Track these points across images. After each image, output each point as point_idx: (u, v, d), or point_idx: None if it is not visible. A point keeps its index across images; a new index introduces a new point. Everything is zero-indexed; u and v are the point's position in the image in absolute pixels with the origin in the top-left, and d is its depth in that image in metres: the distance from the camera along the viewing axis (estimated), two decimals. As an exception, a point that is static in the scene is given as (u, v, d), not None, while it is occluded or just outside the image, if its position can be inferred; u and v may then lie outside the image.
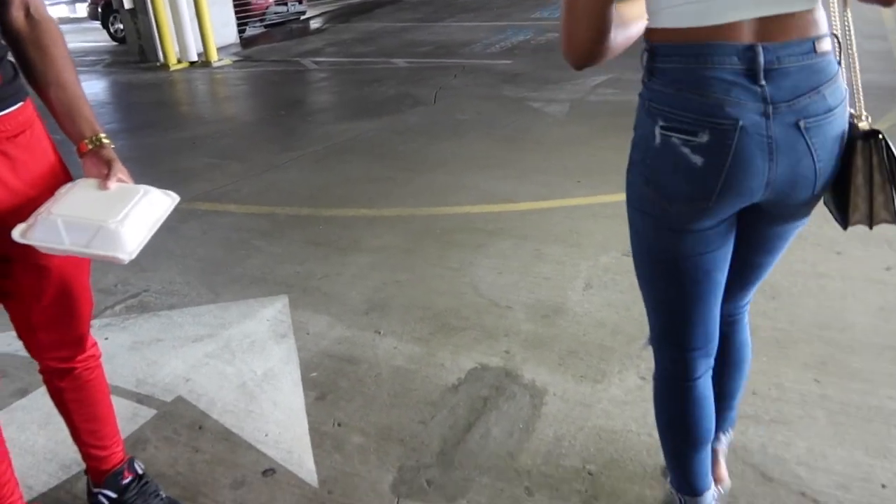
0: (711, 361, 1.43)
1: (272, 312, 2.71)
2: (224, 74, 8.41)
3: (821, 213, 1.27)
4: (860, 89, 1.16)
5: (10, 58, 1.36)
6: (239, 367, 2.37)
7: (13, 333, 1.51)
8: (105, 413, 1.69)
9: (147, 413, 2.18)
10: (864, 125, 1.14)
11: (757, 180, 1.10)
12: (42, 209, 1.31)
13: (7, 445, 1.53)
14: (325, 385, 2.25)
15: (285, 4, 11.39)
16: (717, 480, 1.67)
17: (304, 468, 1.91)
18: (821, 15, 1.08)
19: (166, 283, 3.01)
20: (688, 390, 1.41)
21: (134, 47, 9.48)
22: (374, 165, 4.48)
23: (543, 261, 2.96)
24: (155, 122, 6.33)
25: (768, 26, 1.04)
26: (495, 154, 4.47)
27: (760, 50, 1.04)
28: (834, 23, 1.14)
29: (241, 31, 10.30)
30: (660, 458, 1.82)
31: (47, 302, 1.46)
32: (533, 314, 2.57)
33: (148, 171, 4.70)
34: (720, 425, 1.60)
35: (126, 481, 1.71)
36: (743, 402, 2.02)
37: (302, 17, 11.74)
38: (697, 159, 1.10)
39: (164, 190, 1.45)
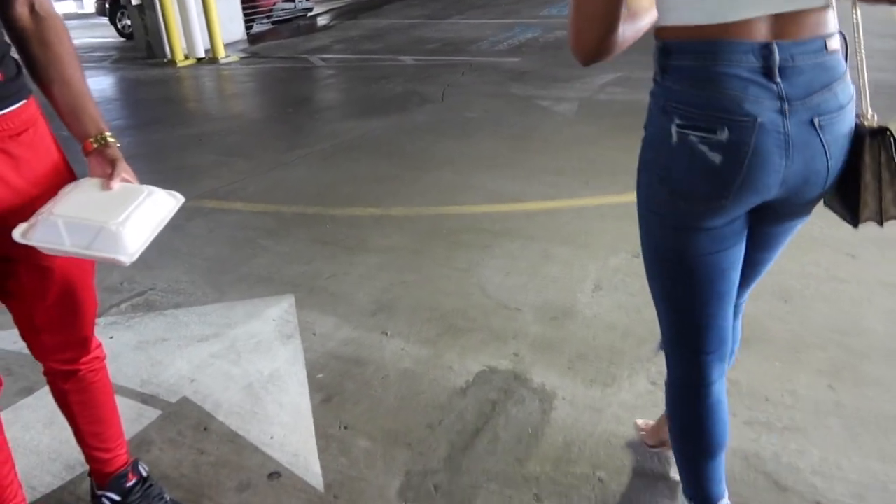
0: (725, 367, 1.41)
1: (278, 312, 2.69)
2: (231, 71, 8.39)
3: (834, 216, 1.25)
4: (867, 88, 1.16)
5: (14, 55, 1.33)
6: (245, 368, 2.35)
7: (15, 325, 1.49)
8: (109, 415, 1.67)
9: (152, 414, 2.16)
10: (871, 123, 1.14)
11: (774, 177, 1.10)
12: (43, 209, 1.28)
13: (11, 445, 1.51)
14: (331, 387, 2.23)
15: (293, 1, 11.37)
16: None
17: (309, 472, 1.88)
18: (832, 14, 1.08)
19: (172, 282, 2.99)
20: (702, 396, 1.39)
21: (141, 43, 9.48)
22: (382, 164, 4.45)
23: (552, 262, 2.93)
24: (162, 118, 6.32)
25: (783, 24, 1.04)
26: (503, 153, 4.44)
27: (776, 48, 1.04)
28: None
29: (248, 28, 10.29)
30: (671, 466, 1.79)
31: (51, 303, 1.44)
32: (541, 316, 2.54)
33: (155, 168, 4.69)
34: None
35: (130, 484, 1.69)
36: (755, 408, 2.00)
37: (309, 14, 11.72)
38: (716, 157, 1.09)
39: (168, 190, 1.43)
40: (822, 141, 1.09)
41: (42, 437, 2.07)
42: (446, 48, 8.49)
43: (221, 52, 8.82)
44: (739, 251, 1.26)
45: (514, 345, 2.38)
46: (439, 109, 5.74)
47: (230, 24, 9.23)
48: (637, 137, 1.23)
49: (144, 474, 1.72)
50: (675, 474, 1.78)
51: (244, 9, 10.11)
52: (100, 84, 8.11)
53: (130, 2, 9.14)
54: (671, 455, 1.79)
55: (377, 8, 12.82)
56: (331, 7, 12.36)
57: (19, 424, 2.12)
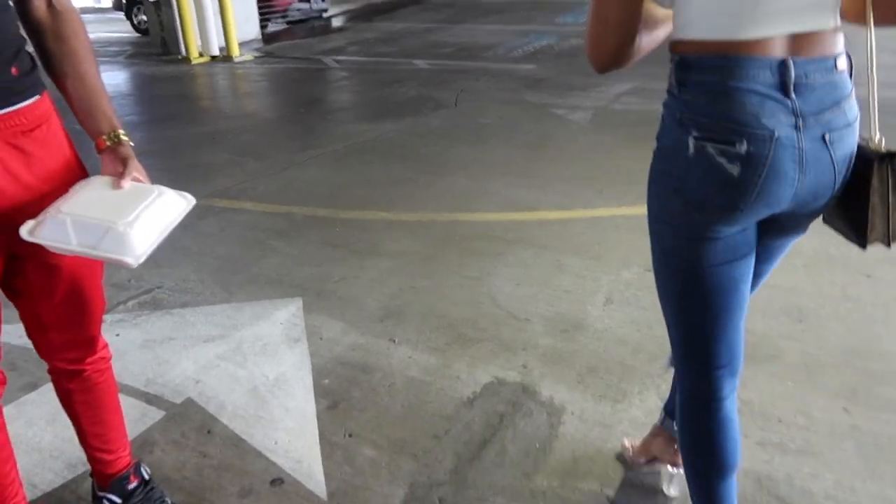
0: (736, 382, 1.39)
1: (286, 315, 2.67)
2: (245, 70, 8.41)
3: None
4: (876, 112, 1.18)
5: (30, 49, 1.32)
6: (250, 371, 2.33)
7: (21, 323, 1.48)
8: (113, 417, 1.65)
9: (155, 414, 2.14)
10: (879, 147, 1.17)
11: (788, 190, 1.13)
12: (52, 207, 1.27)
13: (13, 441, 1.50)
14: (337, 393, 2.20)
15: (308, 1, 11.39)
16: (673, 464, 1.72)
17: (313, 479, 1.86)
18: (840, 35, 1.13)
19: (180, 281, 2.98)
20: (713, 411, 1.38)
21: (156, 39, 9.51)
22: (395, 167, 4.44)
23: (564, 273, 2.90)
24: (176, 115, 6.33)
25: (799, 42, 1.08)
26: (517, 160, 4.41)
27: (791, 64, 1.07)
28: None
29: (263, 27, 10.31)
30: (682, 486, 1.76)
31: (58, 301, 1.43)
32: (552, 328, 2.51)
33: (168, 165, 4.69)
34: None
35: (132, 486, 1.67)
36: (768, 429, 1.96)
37: (324, 15, 11.73)
38: (734, 168, 1.11)
39: (179, 191, 1.41)
40: (831, 156, 1.13)
41: (44, 435, 2.05)
42: (461, 53, 8.48)
43: (236, 51, 8.84)
44: (750, 263, 1.27)
45: (524, 356, 2.35)
46: (453, 114, 5.73)
47: (245, 23, 9.25)
48: (652, 148, 1.23)
49: (146, 477, 1.70)
50: (675, 492, 1.75)
51: (259, 8, 10.13)
52: (114, 79, 8.14)
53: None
54: (682, 475, 1.77)
55: (392, 11, 12.84)
56: (346, 9, 12.37)
57: (22, 420, 2.11)
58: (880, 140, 1.17)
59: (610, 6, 1.13)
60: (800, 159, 1.10)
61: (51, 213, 1.26)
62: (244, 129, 5.75)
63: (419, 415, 2.09)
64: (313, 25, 11.30)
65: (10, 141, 1.25)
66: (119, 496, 1.67)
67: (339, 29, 11.16)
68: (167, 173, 4.31)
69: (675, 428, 1.51)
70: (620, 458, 1.88)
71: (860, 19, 1.14)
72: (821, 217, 1.27)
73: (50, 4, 1.33)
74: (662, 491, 1.77)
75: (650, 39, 1.21)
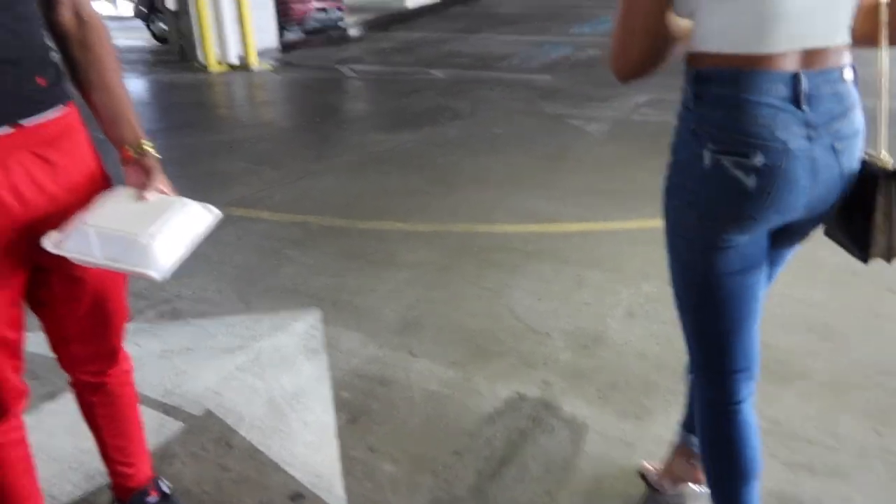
0: (753, 386, 1.41)
1: (304, 327, 2.66)
2: (262, 78, 8.44)
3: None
4: (885, 130, 1.21)
5: (56, 60, 1.32)
6: (269, 383, 2.32)
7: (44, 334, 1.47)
8: (134, 429, 1.65)
9: (174, 425, 2.13)
10: (885, 164, 1.20)
11: (801, 199, 1.17)
12: (76, 218, 1.26)
13: (33, 451, 1.49)
14: (356, 406, 2.18)
15: (325, 11, 11.42)
16: (697, 482, 1.72)
17: (332, 495, 1.84)
18: (847, 48, 1.17)
19: (199, 290, 2.97)
20: (731, 414, 1.40)
21: (175, 48, 9.57)
22: (411, 177, 4.43)
23: (583, 286, 2.87)
24: (193, 123, 6.36)
25: (811, 56, 1.12)
26: (535, 172, 4.39)
27: (803, 77, 1.11)
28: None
29: (280, 36, 10.35)
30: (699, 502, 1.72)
31: (82, 313, 1.42)
32: (572, 342, 2.48)
33: (185, 173, 4.70)
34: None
35: (152, 500, 1.66)
36: (796, 450, 1.92)
37: (341, 25, 11.78)
38: (750, 180, 1.14)
39: (204, 204, 1.40)
40: (840, 165, 1.17)
41: (64, 445, 2.04)
42: (477, 63, 8.47)
43: (254, 60, 8.88)
44: (762, 270, 1.30)
45: (544, 371, 2.32)
46: (470, 125, 5.71)
47: (263, 32, 9.28)
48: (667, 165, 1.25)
49: (167, 491, 1.69)
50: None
51: (277, 17, 10.17)
52: (133, 87, 8.19)
53: (166, 6, 9.24)
54: (692, 489, 1.76)
55: (408, 21, 12.87)
56: (362, 19, 12.40)
57: (42, 430, 2.10)
58: (887, 158, 1.20)
59: (637, 16, 1.15)
60: (812, 168, 1.14)
61: (75, 224, 1.25)
62: (261, 137, 5.77)
63: (439, 429, 2.07)
64: (330, 35, 11.33)
65: (35, 151, 1.25)
66: (139, 510, 1.66)
67: (356, 38, 11.18)
68: (185, 181, 4.30)
69: (696, 443, 1.52)
70: (643, 477, 1.85)
71: (869, 42, 1.18)
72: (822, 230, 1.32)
73: (77, 14, 1.33)
74: (687, 512, 1.74)
75: (673, 50, 1.22)
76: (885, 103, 1.21)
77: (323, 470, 1.92)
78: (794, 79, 1.11)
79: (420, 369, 2.36)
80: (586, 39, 9.61)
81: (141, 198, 1.33)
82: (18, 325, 1.34)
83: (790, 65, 1.11)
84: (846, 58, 1.17)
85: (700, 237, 1.24)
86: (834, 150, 1.15)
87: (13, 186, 1.21)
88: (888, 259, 1.26)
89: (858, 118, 1.19)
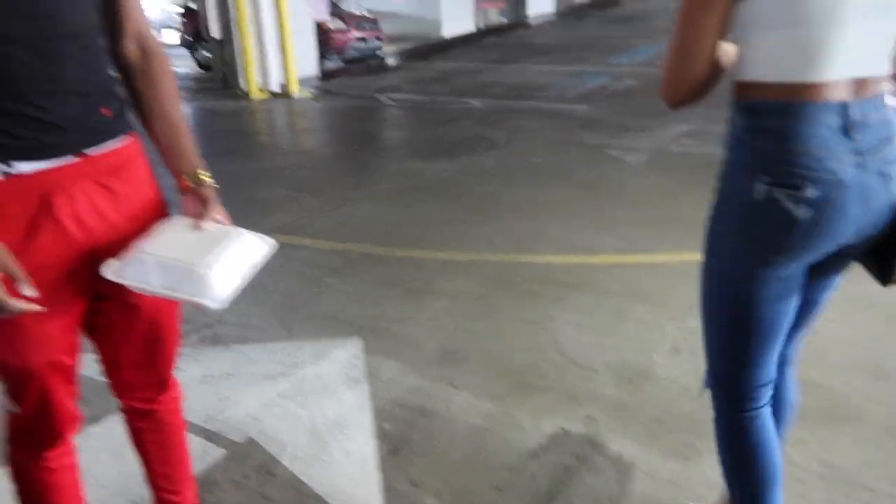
0: (771, 391, 1.45)
1: (345, 355, 2.65)
2: (303, 106, 8.60)
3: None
4: None
5: (120, 90, 1.35)
6: (311, 411, 2.32)
7: (91, 356, 1.48)
8: (181, 456, 1.65)
9: (216, 452, 2.13)
10: None
11: (852, 227, 1.18)
12: (135, 247, 1.28)
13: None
14: (398, 438, 2.16)
15: (364, 41, 11.64)
16: None
17: (374, 528, 1.82)
18: (890, 76, 1.20)
19: (241, 316, 3.00)
20: (749, 420, 1.43)
21: (218, 75, 9.81)
22: (449, 206, 4.44)
23: (627, 320, 2.83)
24: (235, 150, 6.48)
25: (860, 85, 1.14)
26: (573, 202, 4.37)
27: (852, 106, 1.13)
28: None
29: (320, 65, 10.56)
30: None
31: (135, 340, 1.44)
32: (617, 377, 2.43)
33: (227, 200, 4.71)
34: None
35: (196, 528, 1.65)
36: (854, 497, 1.85)
37: (379, 54, 11.98)
38: (802, 212, 1.15)
39: (259, 234, 1.41)
40: (888, 190, 1.19)
41: (109, 470, 2.06)
42: (513, 93, 8.52)
43: (295, 88, 9.06)
44: (797, 297, 1.33)
45: (589, 407, 2.28)
46: (507, 154, 5.73)
47: (304, 61, 9.48)
48: (713, 192, 1.27)
49: (211, 520, 1.68)
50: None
51: (318, 46, 10.38)
52: (177, 114, 8.38)
53: (211, 35, 9.50)
54: None
55: (445, 50, 13.04)
56: (401, 48, 12.60)
57: (87, 454, 2.09)
58: None
59: (694, 42, 1.17)
60: (862, 197, 1.16)
61: (134, 253, 1.27)
62: (301, 165, 5.85)
63: (481, 464, 2.04)
64: (369, 64, 11.54)
65: (99, 180, 1.27)
66: (183, 538, 1.65)
67: (394, 67, 11.37)
68: (227, 208, 4.33)
69: None
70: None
71: None
72: None
73: (141, 45, 1.36)
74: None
75: (721, 74, 1.25)
76: None
77: (365, 502, 1.90)
78: (844, 108, 1.12)
79: (461, 401, 2.33)
80: (623, 69, 9.62)
81: (198, 227, 1.35)
82: (75, 352, 1.36)
83: (840, 94, 1.13)
84: (886, 85, 1.19)
85: (745, 264, 1.26)
86: (882, 175, 1.17)
87: (77, 215, 1.23)
88: None
89: None
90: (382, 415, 2.28)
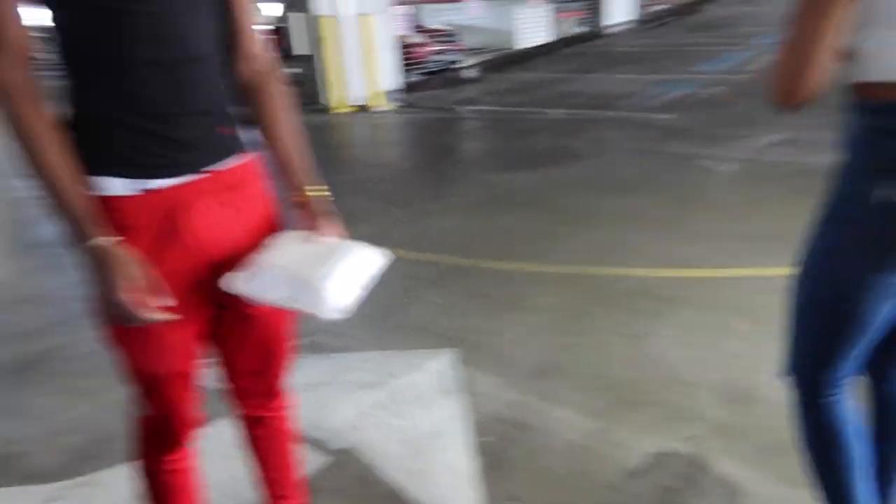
0: (852, 379, 1.42)
1: (437, 366, 2.66)
2: (384, 119, 8.75)
3: None
4: None
5: (235, 110, 1.39)
6: (406, 421, 2.33)
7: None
8: (291, 462, 1.69)
9: (318, 459, 2.16)
10: None
11: None
12: (254, 259, 1.31)
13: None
14: (496, 452, 2.15)
15: (443, 53, 11.76)
16: None
17: (477, 543, 1.80)
18: None
19: (336, 325, 3.03)
20: (829, 406, 1.41)
21: (304, 90, 10.11)
22: (534, 218, 4.40)
23: (730, 336, 2.72)
24: (320, 162, 6.59)
25: None
26: (663, 213, 4.26)
27: None
28: None
29: (401, 78, 10.73)
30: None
31: (250, 349, 1.48)
32: (722, 397, 2.34)
33: (315, 211, 4.89)
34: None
35: (305, 534, 1.68)
36: None
37: (458, 66, 12.07)
38: None
39: (373, 247, 1.43)
40: None
41: (219, 473, 2.11)
42: (594, 102, 8.41)
43: (376, 101, 9.24)
44: None
45: (693, 426, 2.20)
46: (591, 165, 5.65)
47: (385, 74, 9.66)
48: (813, 202, 1.26)
49: (319, 526, 1.71)
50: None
51: (398, 60, 10.56)
52: (264, 128, 8.67)
53: (297, 52, 9.81)
54: None
55: (524, 62, 13.02)
56: (479, 60, 12.67)
57: (199, 456, 2.19)
58: None
59: (811, 37, 1.13)
60: None
61: (252, 265, 1.31)
62: (382, 177, 5.94)
63: (582, 482, 2.00)
64: (448, 76, 11.64)
65: (220, 196, 1.31)
66: (293, 542, 1.68)
67: (473, 80, 11.42)
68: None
69: None
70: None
71: None
72: None
73: (260, 66, 1.40)
74: None
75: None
76: None
77: (466, 516, 1.89)
78: None
79: (560, 417, 2.29)
80: (708, 77, 9.35)
81: (312, 241, 1.38)
82: (198, 359, 1.41)
83: None
84: None
85: (856, 268, 1.24)
86: None
87: (201, 229, 1.28)
88: None
89: None
90: (480, 428, 2.27)
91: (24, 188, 6.85)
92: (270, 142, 1.42)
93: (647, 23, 17.86)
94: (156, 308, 1.19)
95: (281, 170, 1.44)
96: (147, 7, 1.15)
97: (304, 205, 1.43)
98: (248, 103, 1.41)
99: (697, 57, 11.29)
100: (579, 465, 2.06)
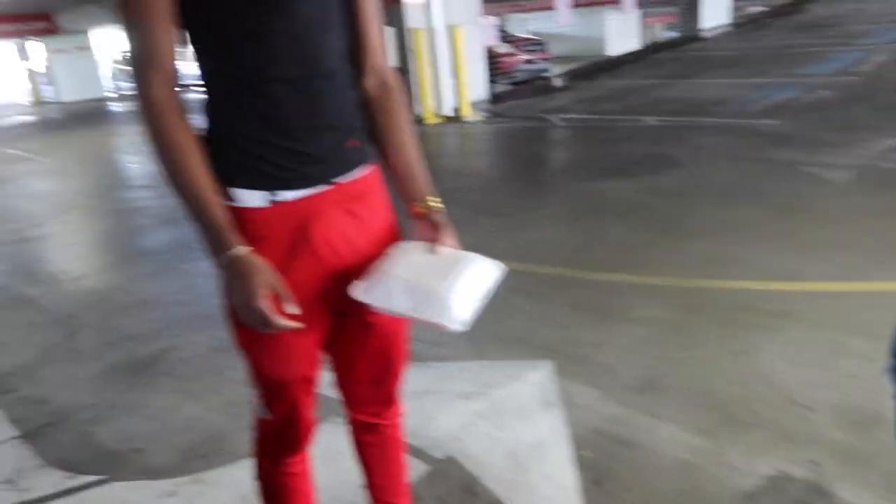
0: None
1: (538, 377, 2.65)
2: (474, 129, 8.81)
3: None
4: None
5: (361, 122, 1.43)
6: (507, 433, 2.33)
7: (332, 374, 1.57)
8: (399, 469, 1.72)
9: (420, 467, 2.20)
10: None
11: None
12: (376, 269, 1.35)
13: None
14: (599, 468, 2.11)
15: (532, 63, 11.74)
16: None
17: (583, 560, 1.78)
18: None
19: (435, 334, 3.07)
20: None
21: (394, 102, 10.33)
22: (633, 228, 4.31)
23: (846, 355, 2.57)
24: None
25: None
26: (768, 223, 4.08)
27: None
28: None
29: (490, 88, 10.79)
30: None
31: (370, 357, 1.51)
32: (840, 419, 2.22)
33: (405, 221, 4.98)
34: None
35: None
36: None
37: (547, 75, 12.02)
38: None
39: (490, 259, 1.44)
40: None
41: (323, 477, 2.17)
42: (690, 109, 8.17)
43: (467, 112, 9.32)
44: None
45: (811, 450, 2.09)
46: (690, 173, 5.48)
47: (475, 85, 9.74)
48: None
49: (427, 535, 1.73)
50: None
51: (488, 70, 10.62)
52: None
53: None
54: None
55: (614, 69, 12.81)
56: (568, 68, 12.57)
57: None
58: None
59: None
60: None
61: (377, 275, 1.34)
62: (474, 187, 5.97)
63: (693, 502, 1.93)
64: (537, 85, 11.61)
65: (346, 207, 1.35)
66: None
67: (563, 88, 11.34)
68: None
69: None
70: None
71: None
72: None
73: (382, 81, 1.44)
74: None
75: None
76: None
77: (571, 532, 1.87)
78: None
79: (666, 434, 2.23)
80: (813, 80, 8.91)
81: (431, 252, 1.40)
82: (319, 365, 1.46)
83: None
84: None
85: None
86: None
87: (328, 238, 1.33)
88: None
89: None
90: (582, 442, 2.24)
91: (134, 199, 7.28)
92: (391, 154, 1.44)
93: (746, 24, 17.20)
94: (286, 316, 1.24)
95: (400, 180, 1.46)
96: (285, 27, 1.21)
97: (423, 215, 1.45)
98: (370, 116, 1.45)
99: (801, 59, 10.79)
100: (689, 486, 2.00)
